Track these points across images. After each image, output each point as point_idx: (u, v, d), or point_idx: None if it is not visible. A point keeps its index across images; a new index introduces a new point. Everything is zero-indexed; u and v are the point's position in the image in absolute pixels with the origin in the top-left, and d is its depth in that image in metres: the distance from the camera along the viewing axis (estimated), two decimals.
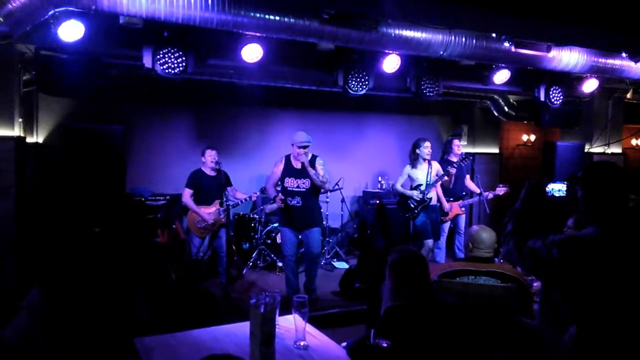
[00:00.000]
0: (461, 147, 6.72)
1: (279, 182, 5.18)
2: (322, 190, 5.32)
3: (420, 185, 5.97)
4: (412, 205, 6.01)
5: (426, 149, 5.98)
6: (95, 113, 6.00)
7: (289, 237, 5.15)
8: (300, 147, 4.94)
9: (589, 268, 1.91)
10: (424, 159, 6.01)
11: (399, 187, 6.15)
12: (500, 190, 6.38)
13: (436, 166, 6.11)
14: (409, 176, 6.09)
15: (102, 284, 4.50)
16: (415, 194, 5.96)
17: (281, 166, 5.12)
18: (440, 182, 6.00)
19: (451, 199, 6.39)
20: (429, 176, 5.97)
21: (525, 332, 2.43)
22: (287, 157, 5.14)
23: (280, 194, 5.02)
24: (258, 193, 5.85)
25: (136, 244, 5.21)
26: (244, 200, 5.74)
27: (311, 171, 4.96)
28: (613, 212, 1.99)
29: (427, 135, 6.58)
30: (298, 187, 5.04)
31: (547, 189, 6.85)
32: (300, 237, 5.23)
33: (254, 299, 2.11)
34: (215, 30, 4.16)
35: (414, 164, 6.06)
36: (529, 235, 2.08)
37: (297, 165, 5.05)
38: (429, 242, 6.04)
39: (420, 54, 5.04)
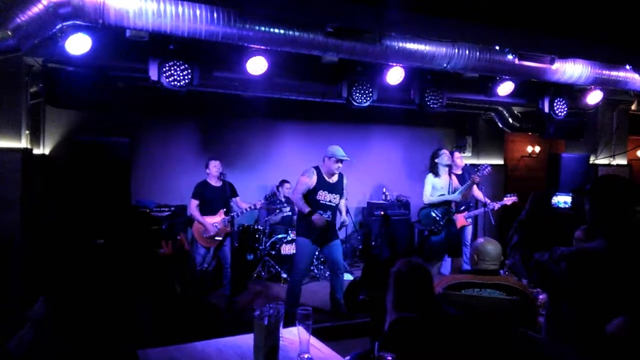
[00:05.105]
0: (457, 159, 6.43)
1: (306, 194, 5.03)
2: None
3: (443, 195, 5.80)
4: (437, 218, 5.79)
5: (444, 156, 5.82)
6: (102, 125, 6.05)
7: (310, 251, 5.08)
8: (340, 161, 4.96)
9: (597, 281, 1.90)
10: (445, 166, 5.83)
11: (430, 197, 5.85)
12: (508, 200, 6.20)
13: (455, 178, 5.97)
14: (433, 186, 5.87)
15: (106, 295, 4.50)
16: (455, 196, 5.76)
17: (315, 178, 4.98)
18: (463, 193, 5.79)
19: (460, 209, 6.27)
20: (450, 187, 5.83)
21: (530, 346, 2.40)
22: (318, 170, 5.05)
23: (319, 211, 4.89)
24: (262, 201, 5.84)
25: (141, 255, 5.20)
26: (248, 209, 5.75)
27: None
28: (621, 225, 1.98)
29: (431, 147, 6.54)
30: (330, 201, 5.04)
31: (552, 200, 6.79)
32: (318, 250, 5.25)
33: (258, 310, 2.11)
34: (221, 43, 4.20)
35: (436, 173, 5.85)
36: (535, 248, 2.07)
37: (331, 179, 5.05)
38: (438, 264, 5.97)
39: (424, 66, 5.06)
